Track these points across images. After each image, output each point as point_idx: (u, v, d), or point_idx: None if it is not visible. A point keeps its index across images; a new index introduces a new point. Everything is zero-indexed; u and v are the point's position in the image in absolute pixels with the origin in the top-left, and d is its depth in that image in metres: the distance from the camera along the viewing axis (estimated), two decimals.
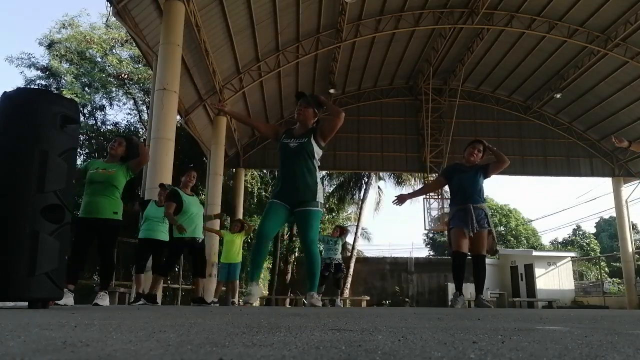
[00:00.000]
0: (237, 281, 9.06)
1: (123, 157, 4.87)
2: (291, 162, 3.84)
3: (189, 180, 6.15)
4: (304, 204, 3.81)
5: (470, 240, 4.88)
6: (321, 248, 9.55)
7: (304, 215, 3.84)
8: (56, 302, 4.22)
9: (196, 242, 6.06)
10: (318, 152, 3.91)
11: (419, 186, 23.57)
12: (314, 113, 3.99)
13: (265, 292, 20.41)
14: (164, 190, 6.93)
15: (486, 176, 5.07)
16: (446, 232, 5.20)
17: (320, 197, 3.88)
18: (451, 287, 17.60)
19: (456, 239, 4.89)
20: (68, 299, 4.45)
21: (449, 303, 5.12)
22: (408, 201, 5.30)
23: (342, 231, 9.98)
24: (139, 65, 20.51)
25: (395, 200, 5.16)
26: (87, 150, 19.26)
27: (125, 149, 4.88)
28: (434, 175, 17.85)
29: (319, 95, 4.09)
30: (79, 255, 4.67)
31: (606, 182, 20.32)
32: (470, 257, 4.98)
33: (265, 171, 21.73)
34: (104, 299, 4.72)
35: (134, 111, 22.47)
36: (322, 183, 25.59)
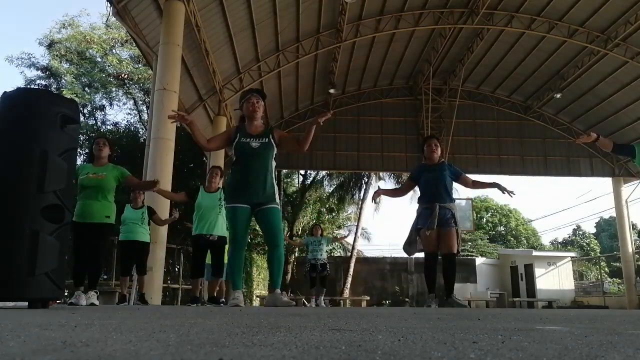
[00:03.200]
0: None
1: (110, 155, 4.94)
2: (254, 163, 3.84)
3: (210, 178, 6.14)
4: (266, 203, 3.84)
5: (438, 239, 4.89)
6: (309, 250, 9.54)
7: (272, 212, 3.87)
8: (72, 302, 4.31)
9: (208, 240, 5.98)
10: (276, 152, 3.96)
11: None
12: (264, 108, 4.05)
13: (265, 293, 20.40)
14: (138, 193, 6.96)
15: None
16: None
17: (277, 199, 3.95)
18: None
19: (427, 239, 4.90)
20: (81, 300, 4.57)
21: (426, 304, 5.12)
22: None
23: (322, 230, 10.05)
24: (139, 65, 20.52)
25: (375, 196, 5.29)
26: (87, 150, 19.25)
27: (110, 148, 4.94)
28: None
29: (319, 119, 3.80)
30: (81, 259, 4.79)
31: (606, 182, 20.33)
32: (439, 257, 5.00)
33: None
34: (93, 298, 4.75)
35: (134, 111, 22.50)
36: (322, 183, 25.70)
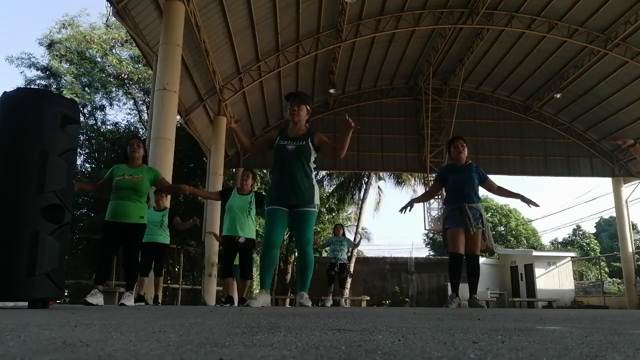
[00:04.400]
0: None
1: (144, 156, 5.04)
2: (288, 165, 3.86)
3: (242, 181, 6.19)
4: (302, 205, 3.87)
5: (465, 241, 4.85)
6: (328, 249, 9.56)
7: (303, 216, 3.89)
8: (89, 302, 4.34)
9: (237, 241, 6.03)
10: (314, 155, 3.95)
11: (419, 186, 23.64)
12: (307, 111, 4.05)
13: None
14: (161, 196, 7.02)
15: None
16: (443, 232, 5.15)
17: (317, 199, 3.95)
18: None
19: (453, 239, 4.84)
20: (99, 299, 4.58)
21: (445, 303, 5.10)
22: (408, 201, 5.27)
23: (344, 230, 10.14)
24: (139, 65, 20.51)
25: (406, 207, 5.12)
26: (87, 150, 19.27)
27: (143, 149, 5.04)
28: (434, 175, 17.86)
29: (349, 121, 3.75)
30: (108, 257, 4.90)
31: (606, 182, 20.34)
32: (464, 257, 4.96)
33: (265, 171, 21.75)
34: (129, 299, 4.88)
35: (134, 111, 22.49)
36: (322, 183, 25.70)
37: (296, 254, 21.74)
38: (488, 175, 5.13)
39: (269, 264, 3.96)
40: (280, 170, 3.90)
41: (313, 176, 3.96)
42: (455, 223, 4.84)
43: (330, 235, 10.24)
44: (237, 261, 6.36)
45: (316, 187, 3.95)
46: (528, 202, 4.84)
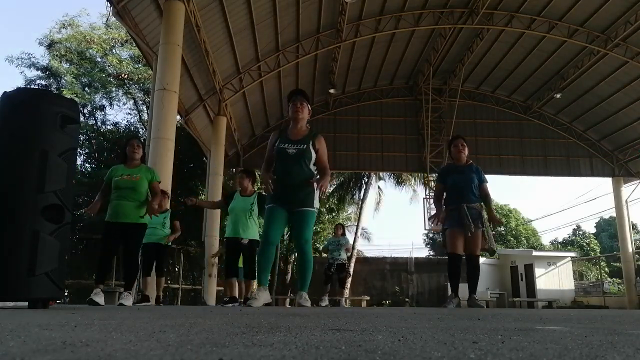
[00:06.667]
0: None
1: (142, 157, 5.12)
2: (289, 169, 3.87)
3: (239, 183, 6.28)
4: (301, 206, 3.90)
5: (466, 241, 4.86)
6: (328, 249, 9.53)
7: (302, 215, 3.91)
8: (95, 300, 4.38)
9: (240, 243, 6.06)
10: (315, 158, 3.95)
11: (419, 186, 23.65)
12: (309, 110, 4.08)
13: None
14: (163, 198, 7.06)
15: None
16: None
17: (316, 203, 3.96)
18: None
19: (452, 240, 4.86)
20: (101, 298, 4.62)
21: (444, 303, 5.11)
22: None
23: (344, 230, 10.12)
24: (139, 65, 20.52)
25: (432, 220, 5.13)
26: (87, 150, 19.27)
27: (142, 149, 5.12)
28: (434, 175, 17.86)
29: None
30: (108, 258, 4.92)
31: (606, 182, 20.33)
32: (463, 257, 4.97)
33: None
34: (128, 299, 4.90)
35: (134, 111, 22.50)
36: None
37: (296, 254, 21.76)
38: (487, 180, 5.12)
39: (267, 262, 3.98)
40: (282, 172, 3.91)
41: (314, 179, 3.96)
42: (454, 224, 4.84)
43: (330, 236, 10.24)
44: (240, 262, 6.38)
45: (316, 191, 3.91)
46: (493, 220, 5.03)
